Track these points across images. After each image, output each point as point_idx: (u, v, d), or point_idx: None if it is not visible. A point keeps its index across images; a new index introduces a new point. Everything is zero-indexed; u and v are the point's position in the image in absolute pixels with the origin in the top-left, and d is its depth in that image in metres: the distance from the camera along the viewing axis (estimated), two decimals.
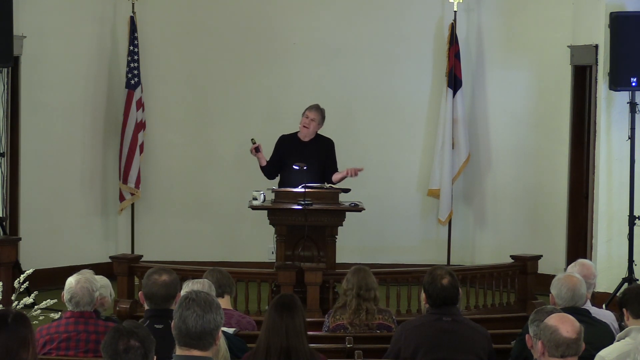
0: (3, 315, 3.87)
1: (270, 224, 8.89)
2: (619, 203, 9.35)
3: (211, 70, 11.04)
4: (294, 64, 11.03)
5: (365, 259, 10.05)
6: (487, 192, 10.99)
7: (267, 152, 9.21)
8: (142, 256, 8.95)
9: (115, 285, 8.15)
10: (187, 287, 5.35)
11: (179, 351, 4.01)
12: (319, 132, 9.19)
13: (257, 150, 9.07)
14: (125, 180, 10.62)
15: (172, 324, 4.04)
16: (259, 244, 10.75)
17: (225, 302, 6.03)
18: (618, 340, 4.94)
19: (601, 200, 9.44)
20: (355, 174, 9.07)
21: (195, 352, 3.99)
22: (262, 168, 9.19)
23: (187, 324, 3.99)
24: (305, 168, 8.67)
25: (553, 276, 5.63)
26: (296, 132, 9.19)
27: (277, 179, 9.23)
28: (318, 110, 9.12)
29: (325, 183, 8.93)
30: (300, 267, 8.46)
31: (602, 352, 4.81)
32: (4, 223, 9.52)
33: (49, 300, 6.23)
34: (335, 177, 9.08)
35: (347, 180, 9.12)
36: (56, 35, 10.39)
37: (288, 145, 9.13)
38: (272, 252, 9.61)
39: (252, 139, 9.11)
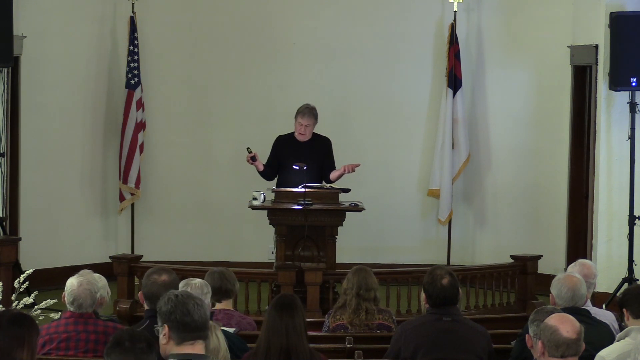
0: (0, 316, 3.89)
1: (270, 224, 8.89)
2: (619, 203, 9.35)
3: (211, 70, 11.04)
4: (293, 63, 11.03)
5: (365, 259, 10.05)
6: (487, 192, 10.99)
7: (264, 154, 9.19)
8: (142, 256, 8.95)
9: (115, 285, 8.15)
10: (182, 287, 5.34)
11: (182, 349, 3.99)
12: (314, 130, 9.18)
13: (253, 159, 9.04)
14: (125, 180, 10.62)
15: (172, 322, 4.02)
16: (259, 244, 10.75)
17: (225, 303, 6.04)
18: (618, 341, 4.94)
19: (601, 200, 9.44)
20: (353, 170, 9.06)
21: (199, 345, 4.00)
22: (260, 173, 9.18)
23: (192, 316, 3.99)
24: (305, 168, 8.67)
25: (553, 276, 5.63)
26: (292, 132, 9.18)
27: (276, 178, 9.23)
28: (311, 114, 9.06)
29: (324, 182, 8.94)
30: (300, 267, 8.46)
31: (602, 352, 4.81)
32: (4, 223, 9.52)
33: (49, 300, 6.23)
34: (333, 175, 9.07)
35: (346, 177, 9.11)
36: (56, 35, 10.39)
37: (286, 146, 9.11)
38: (272, 252, 9.61)
39: (247, 148, 9.06)
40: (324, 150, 9.15)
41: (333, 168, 9.14)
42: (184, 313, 4.01)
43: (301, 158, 8.83)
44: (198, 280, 5.47)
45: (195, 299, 4.07)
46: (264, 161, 9.15)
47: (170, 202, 11.11)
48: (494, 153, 10.91)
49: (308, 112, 9.05)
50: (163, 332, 4.01)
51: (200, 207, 11.10)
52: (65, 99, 10.51)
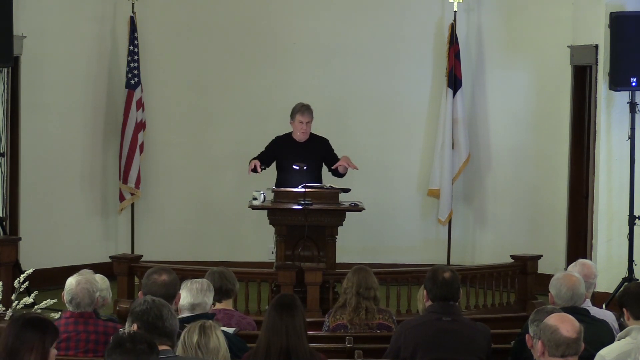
0: (17, 318, 3.95)
1: (270, 224, 8.90)
2: (619, 203, 9.35)
3: (211, 70, 11.04)
4: (293, 64, 11.03)
5: (365, 259, 10.04)
6: (487, 192, 10.99)
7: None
8: (142, 256, 8.96)
9: (115, 285, 8.15)
10: (186, 286, 5.36)
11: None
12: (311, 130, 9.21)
13: (254, 171, 8.98)
14: (125, 180, 10.62)
15: (142, 322, 4.04)
16: (259, 244, 10.76)
17: (225, 302, 6.04)
18: (618, 340, 4.94)
19: (601, 200, 9.44)
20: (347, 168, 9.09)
21: (164, 347, 4.03)
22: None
23: (164, 322, 4.06)
24: (305, 168, 8.68)
25: (553, 276, 5.63)
26: (290, 133, 9.20)
27: (275, 179, 9.22)
28: (309, 111, 9.11)
29: (324, 183, 8.96)
30: (300, 267, 8.47)
31: (602, 352, 4.81)
32: (4, 223, 9.52)
33: (49, 300, 6.24)
34: (340, 169, 9.10)
35: (346, 177, 9.14)
36: (56, 35, 10.39)
37: (284, 147, 9.13)
38: (272, 252, 9.61)
39: (263, 167, 9.01)
40: (324, 151, 9.17)
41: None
42: (157, 316, 4.05)
43: (301, 158, 8.83)
44: (200, 279, 5.49)
45: (170, 309, 4.12)
46: (257, 161, 9.10)
47: (170, 202, 11.11)
48: (494, 153, 10.90)
49: (306, 109, 9.10)
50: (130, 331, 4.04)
51: (200, 207, 11.10)
52: (65, 99, 10.51)
